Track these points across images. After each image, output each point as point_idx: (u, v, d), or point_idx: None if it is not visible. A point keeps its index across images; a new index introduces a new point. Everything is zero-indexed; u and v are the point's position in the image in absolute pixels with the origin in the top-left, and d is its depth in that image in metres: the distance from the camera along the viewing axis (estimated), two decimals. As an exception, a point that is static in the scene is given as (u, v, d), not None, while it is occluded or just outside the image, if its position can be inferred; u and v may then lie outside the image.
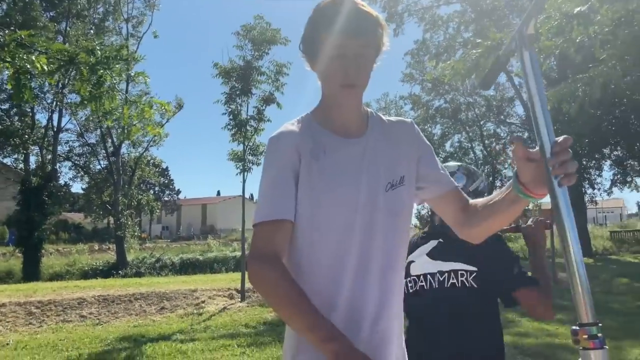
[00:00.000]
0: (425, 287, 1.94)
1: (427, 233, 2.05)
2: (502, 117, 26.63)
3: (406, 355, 1.37)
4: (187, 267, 19.05)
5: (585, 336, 0.95)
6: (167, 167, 51.14)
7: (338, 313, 1.20)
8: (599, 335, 0.95)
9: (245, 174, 10.77)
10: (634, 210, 56.11)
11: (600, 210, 45.03)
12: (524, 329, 6.41)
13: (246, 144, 10.72)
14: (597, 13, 4.36)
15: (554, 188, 0.99)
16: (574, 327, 0.97)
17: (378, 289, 1.24)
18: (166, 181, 52.54)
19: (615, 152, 21.60)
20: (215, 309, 8.98)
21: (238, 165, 10.98)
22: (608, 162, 21.95)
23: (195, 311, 8.86)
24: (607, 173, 22.51)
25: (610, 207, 50.06)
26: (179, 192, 55.87)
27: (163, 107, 3.97)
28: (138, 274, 18.07)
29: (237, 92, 10.80)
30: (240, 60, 10.78)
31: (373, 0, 23.08)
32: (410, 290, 1.98)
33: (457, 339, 1.85)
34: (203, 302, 9.77)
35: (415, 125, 1.42)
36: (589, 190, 21.66)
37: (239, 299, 9.95)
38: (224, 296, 10.45)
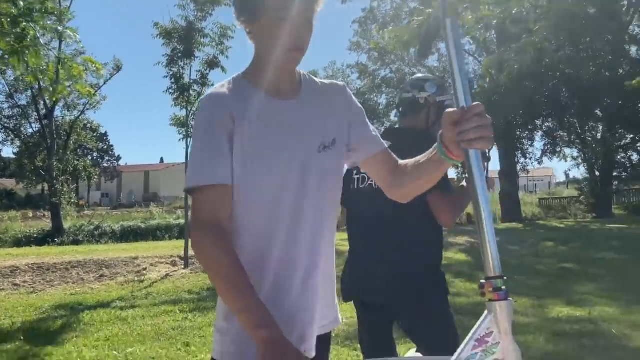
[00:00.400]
0: (374, 187, 2.06)
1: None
2: (445, 86, 27.22)
3: (338, 313, 1.44)
4: (129, 235, 18.53)
5: (491, 289, 0.99)
6: (106, 132, 48.92)
7: (270, 269, 1.24)
8: (503, 287, 0.99)
9: (189, 140, 10.51)
10: (562, 179, 59.63)
11: (531, 178, 47.63)
12: (457, 289, 6.76)
13: (189, 109, 10.41)
14: (533, -14, 4.51)
15: (467, 151, 1.04)
16: (481, 281, 1.01)
17: (309, 246, 1.28)
18: (105, 147, 50.37)
19: (547, 124, 22.77)
20: (157, 276, 8.87)
21: (181, 131, 10.69)
22: (540, 133, 23.13)
23: (136, 278, 8.70)
24: (539, 143, 23.77)
25: (540, 175, 52.97)
26: (119, 158, 53.79)
27: (94, 65, 3.76)
28: (75, 242, 17.42)
29: (179, 55, 10.41)
30: (183, 21, 10.36)
31: (321, -35, 22.72)
32: (360, 186, 2.21)
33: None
34: (145, 269, 9.61)
35: (348, 89, 1.44)
36: (522, 160, 22.81)
37: (182, 266, 9.86)
38: (167, 263, 10.32)
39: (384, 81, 26.73)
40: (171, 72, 10.45)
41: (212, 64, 10.61)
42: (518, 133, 21.24)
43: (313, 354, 1.27)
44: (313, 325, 1.28)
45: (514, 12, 4.99)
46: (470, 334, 0.99)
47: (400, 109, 2.38)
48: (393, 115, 27.18)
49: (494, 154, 23.87)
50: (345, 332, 4.66)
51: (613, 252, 9.89)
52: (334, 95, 1.39)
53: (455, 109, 1.06)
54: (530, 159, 22.98)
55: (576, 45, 17.91)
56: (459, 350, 0.97)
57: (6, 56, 3.17)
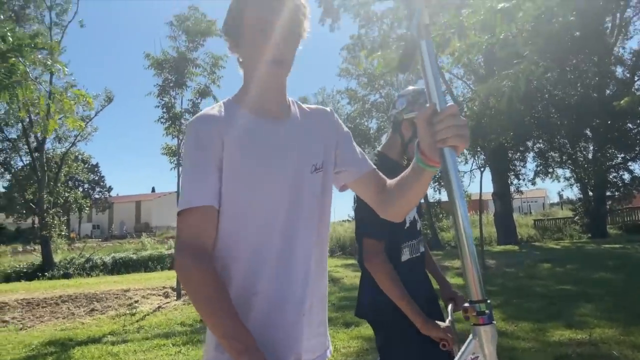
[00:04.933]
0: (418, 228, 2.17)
1: None
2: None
3: (329, 342, 1.39)
4: (120, 267, 18.27)
5: (474, 313, 0.99)
6: (97, 164, 48.67)
7: (260, 296, 1.19)
8: (487, 311, 0.98)
9: (180, 168, 10.46)
10: (556, 199, 59.90)
11: (525, 200, 47.80)
12: (456, 315, 6.66)
13: (180, 137, 10.41)
14: (520, 9, 4.57)
15: (442, 152, 1.04)
16: (464, 305, 1.00)
17: (303, 269, 1.25)
18: (96, 178, 50.04)
19: (538, 145, 22.95)
20: (149, 309, 8.68)
21: (172, 160, 10.67)
22: (531, 154, 23.28)
23: (128, 312, 8.52)
24: (531, 164, 23.90)
25: (534, 196, 53.14)
26: (110, 189, 53.25)
27: (84, 98, 3.73)
28: (66, 276, 17.11)
29: (171, 85, 10.46)
30: (174, 52, 10.44)
31: (309, -6, 23.22)
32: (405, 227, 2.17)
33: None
34: (136, 302, 9.42)
35: (334, 113, 1.45)
36: (515, 181, 22.88)
37: (175, 297, 9.68)
38: (159, 295, 10.13)
39: (373, 106, 26.96)
40: (162, 102, 10.48)
41: (204, 93, 10.66)
42: (510, 155, 21.37)
43: None
44: (302, 356, 1.24)
45: (501, 36, 5.03)
46: (456, 359, 0.98)
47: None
48: (384, 140, 27.36)
49: (487, 176, 23.98)
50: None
51: (610, 272, 9.85)
52: (322, 119, 1.40)
53: (428, 110, 1.06)
54: (523, 180, 23.07)
55: (563, 67, 18.22)
56: None
57: (-5, 91, 3.15)
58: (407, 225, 2.18)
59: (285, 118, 1.31)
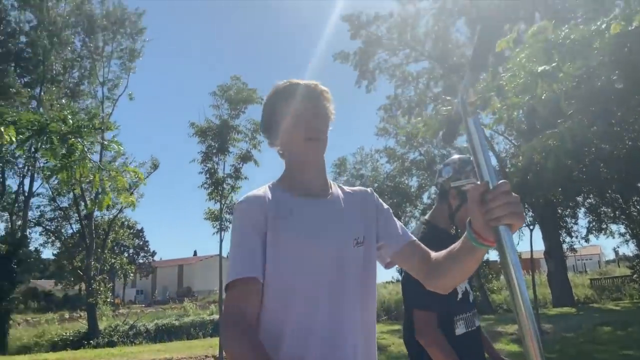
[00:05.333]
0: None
1: None
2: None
3: None
4: (163, 334, 18.25)
5: None
6: (142, 229, 49.99)
7: None
8: None
9: (222, 232, 10.62)
10: (612, 256, 56.75)
11: (579, 258, 45.46)
12: None
13: (223, 202, 10.62)
14: (560, 71, 4.54)
15: (497, 231, 1.01)
16: None
17: (351, 343, 1.25)
18: (141, 243, 51.23)
19: (589, 200, 22.06)
20: (192, 379, 8.52)
21: (215, 225, 10.83)
22: (582, 210, 22.34)
23: (171, 383, 8.39)
24: (583, 221, 22.85)
25: (588, 254, 50.51)
26: (154, 253, 54.31)
27: (137, 175, 3.90)
28: (110, 344, 17.19)
29: (214, 151, 10.81)
30: (217, 120, 10.86)
31: (345, 59, 24.06)
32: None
33: None
34: (180, 371, 9.28)
35: (374, 193, 1.52)
36: (567, 239, 21.88)
37: (218, 367, 9.50)
38: (202, 364, 9.97)
39: (413, 164, 26.91)
40: (206, 168, 10.79)
41: (245, 157, 10.95)
42: (560, 211, 20.58)
43: None
44: None
45: (543, 97, 4.99)
46: None
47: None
48: (426, 197, 27.07)
49: (536, 234, 23.05)
50: None
51: (678, 336, 9.09)
52: (362, 198, 1.47)
53: (479, 183, 1.05)
54: (576, 237, 22.04)
55: (608, 122, 17.79)
56: None
57: (55, 171, 3.31)
58: (460, 296, 2.11)
59: (326, 196, 1.39)
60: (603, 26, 4.01)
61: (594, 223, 22.12)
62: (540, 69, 4.47)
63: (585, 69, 4.98)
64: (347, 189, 1.49)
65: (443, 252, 1.32)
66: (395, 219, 1.49)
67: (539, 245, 21.17)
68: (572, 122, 4.82)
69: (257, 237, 1.25)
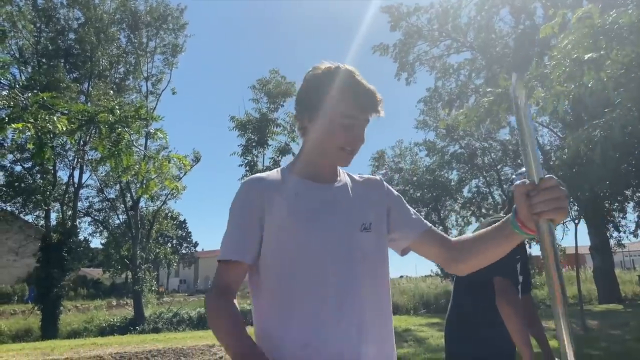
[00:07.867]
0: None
1: None
2: (519, 160, 26.44)
3: None
4: (205, 322, 18.72)
5: None
6: (184, 220, 51.36)
7: (310, 349, 1.20)
8: None
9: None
10: (662, 252, 54.13)
11: (627, 253, 43.62)
12: None
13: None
14: (608, 58, 4.38)
15: (538, 226, 1.03)
16: None
17: (356, 328, 1.23)
18: (184, 234, 52.62)
19: (638, 194, 21.09)
20: (233, 366, 8.74)
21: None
22: (631, 204, 21.39)
23: (213, 368, 8.62)
24: (631, 215, 21.86)
25: (637, 250, 48.40)
26: (196, 244, 55.72)
27: (181, 162, 4.05)
28: (155, 330, 17.82)
29: (254, 144, 11.00)
30: (256, 113, 11.04)
31: (385, 51, 23.79)
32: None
33: None
34: (221, 358, 9.52)
35: (384, 182, 1.50)
36: (615, 234, 21.05)
37: (258, 354, 9.69)
38: (242, 351, 10.19)
39: (453, 157, 26.44)
40: (246, 161, 11.00)
41: (284, 150, 11.09)
42: (607, 205, 19.80)
43: None
44: None
45: (590, 85, 4.81)
46: None
47: None
48: (466, 191, 26.59)
49: (582, 228, 22.25)
50: None
51: None
52: (371, 186, 1.46)
53: (526, 181, 1.06)
54: (625, 232, 21.17)
55: (659, 111, 16.97)
56: None
57: (104, 159, 3.49)
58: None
59: (334, 182, 1.39)
60: (654, 10, 3.85)
61: (643, 217, 21.14)
62: (587, 56, 4.33)
63: (635, 56, 4.78)
64: (356, 176, 1.48)
65: (469, 236, 1.35)
66: (408, 205, 1.49)
67: (585, 240, 20.38)
68: (620, 111, 4.64)
69: (252, 221, 1.27)
